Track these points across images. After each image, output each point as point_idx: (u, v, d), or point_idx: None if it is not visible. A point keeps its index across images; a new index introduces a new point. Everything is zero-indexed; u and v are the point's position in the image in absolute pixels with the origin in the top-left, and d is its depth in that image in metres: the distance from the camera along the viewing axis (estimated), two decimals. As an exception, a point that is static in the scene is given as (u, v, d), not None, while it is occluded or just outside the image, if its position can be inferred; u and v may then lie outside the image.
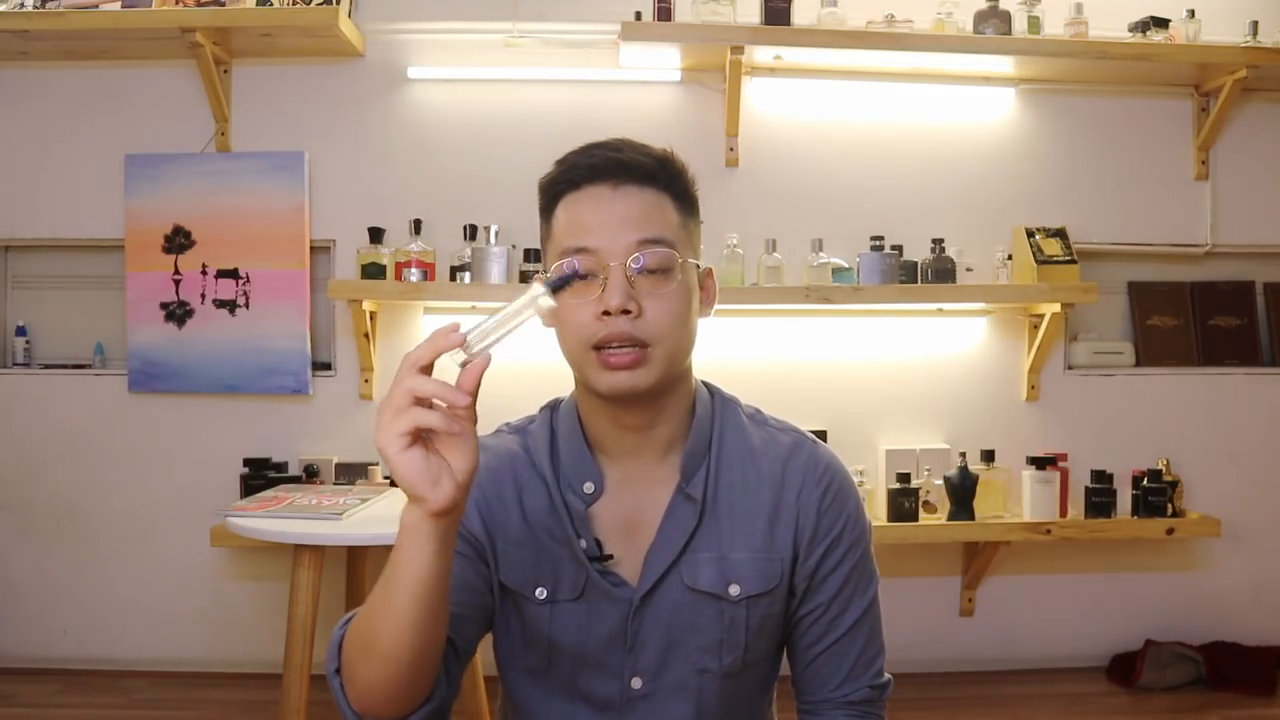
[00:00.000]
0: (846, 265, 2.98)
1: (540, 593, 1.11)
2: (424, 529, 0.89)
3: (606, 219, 1.04)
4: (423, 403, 0.85)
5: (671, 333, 1.04)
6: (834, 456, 1.18)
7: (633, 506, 1.12)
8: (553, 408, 1.19)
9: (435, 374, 0.86)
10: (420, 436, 0.86)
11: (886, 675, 1.18)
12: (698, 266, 1.10)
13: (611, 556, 1.10)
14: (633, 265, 1.03)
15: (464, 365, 0.87)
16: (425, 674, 0.97)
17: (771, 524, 1.12)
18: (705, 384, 1.18)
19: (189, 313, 3.08)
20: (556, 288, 0.91)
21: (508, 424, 1.21)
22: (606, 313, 1.01)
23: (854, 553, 1.15)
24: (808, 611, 1.15)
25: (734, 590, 1.11)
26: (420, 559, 0.90)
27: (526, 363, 2.83)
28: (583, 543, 1.10)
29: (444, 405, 0.86)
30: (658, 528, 1.11)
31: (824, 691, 1.16)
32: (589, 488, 1.11)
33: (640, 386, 1.04)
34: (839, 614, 1.14)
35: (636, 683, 1.12)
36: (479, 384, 0.87)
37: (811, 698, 1.17)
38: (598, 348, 1.03)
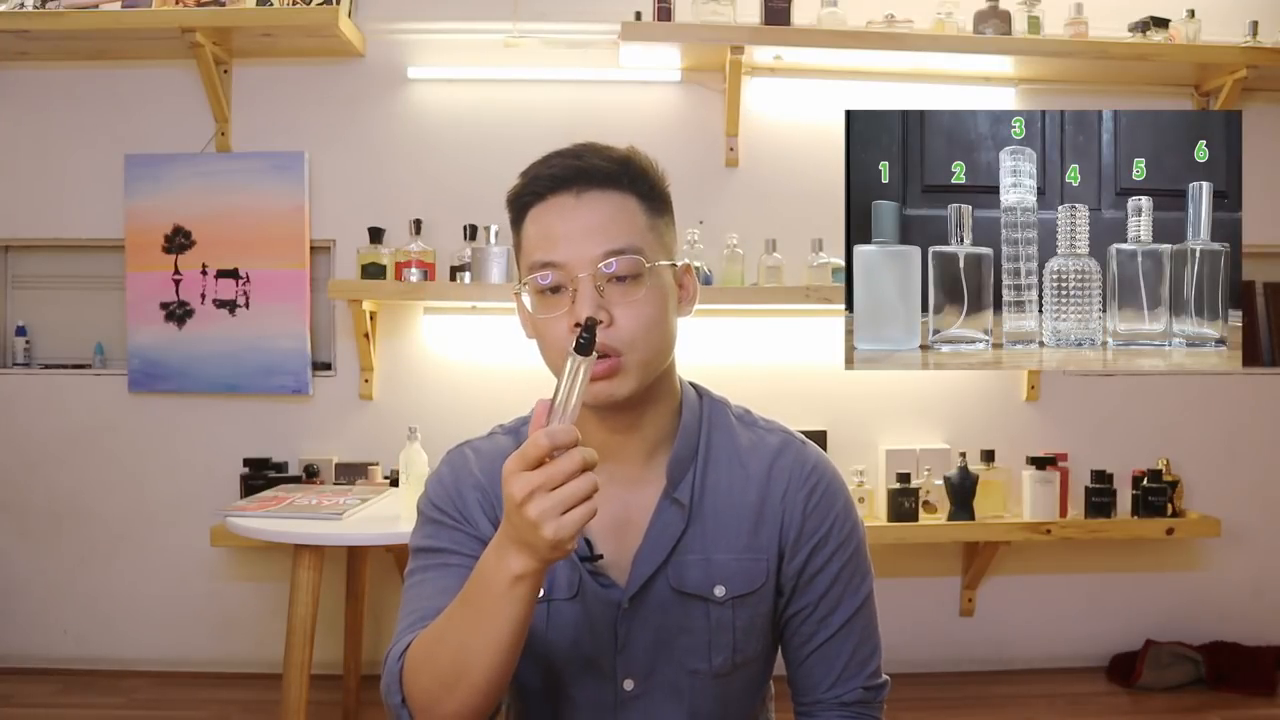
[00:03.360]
0: (846, 265, 2.98)
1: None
2: (535, 577, 0.93)
3: (571, 230, 1.04)
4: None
5: (644, 339, 1.04)
6: (822, 456, 1.18)
7: (621, 508, 1.12)
8: None
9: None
10: None
11: (884, 676, 1.17)
12: (674, 265, 1.10)
13: (602, 556, 1.11)
14: (602, 272, 1.03)
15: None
16: (505, 693, 1.02)
17: (756, 524, 1.13)
18: (694, 385, 1.18)
19: (189, 313, 3.08)
20: (584, 349, 0.92)
21: (501, 426, 1.21)
22: (578, 324, 1.01)
23: (842, 552, 1.14)
24: (796, 611, 1.15)
25: (719, 591, 1.11)
26: (528, 602, 0.94)
27: (518, 365, 2.82)
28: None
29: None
30: (645, 531, 1.11)
31: (817, 692, 1.15)
32: None
33: (618, 395, 1.04)
34: (828, 613, 1.14)
35: (629, 684, 1.12)
36: None
37: (805, 699, 1.17)
38: None
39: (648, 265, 1.04)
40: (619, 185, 1.06)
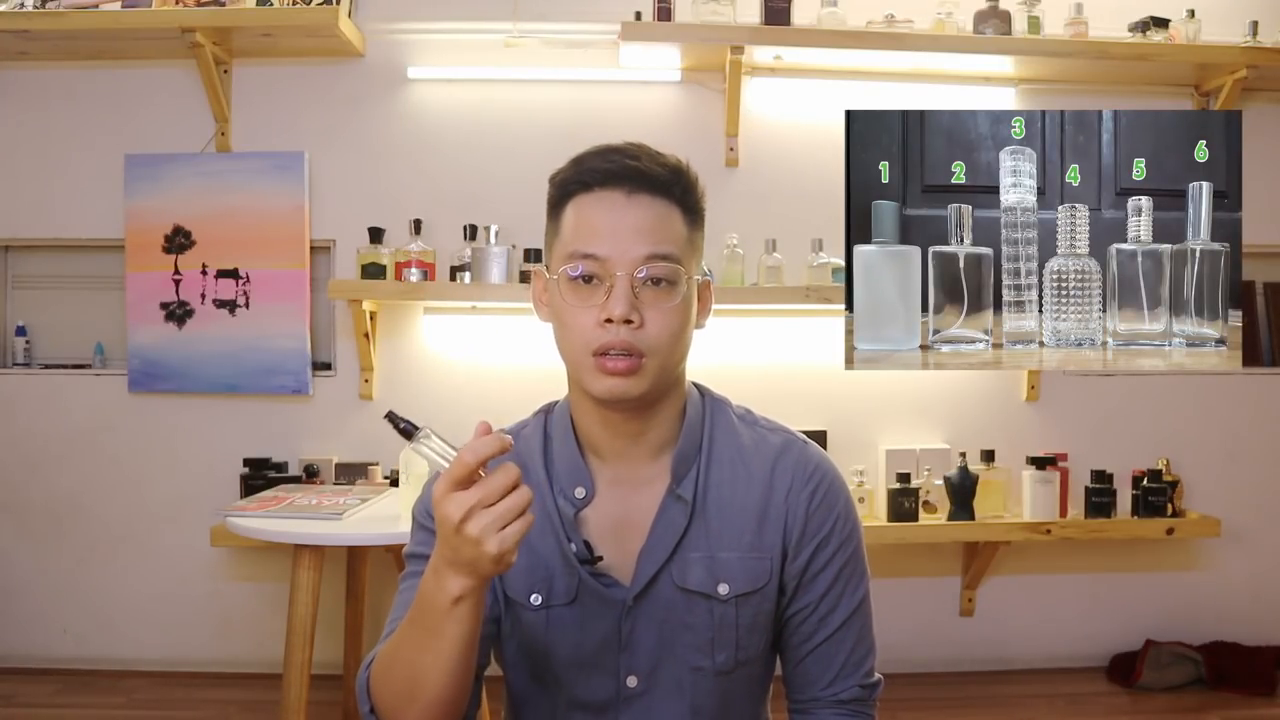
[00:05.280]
0: (846, 265, 2.98)
1: (535, 599, 1.12)
2: (476, 594, 0.94)
3: (618, 227, 1.05)
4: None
5: (667, 346, 1.06)
6: (824, 456, 1.19)
7: (625, 508, 1.13)
8: (547, 411, 1.20)
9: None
10: None
11: (877, 675, 1.19)
12: (697, 280, 1.12)
13: (601, 558, 1.11)
14: (638, 276, 1.04)
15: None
16: (467, 699, 1.02)
17: (760, 523, 1.13)
18: (696, 385, 1.20)
19: (189, 313, 3.08)
20: (407, 435, 0.96)
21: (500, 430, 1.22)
22: (609, 320, 1.03)
23: (843, 551, 1.15)
24: (797, 610, 1.16)
25: (723, 589, 1.12)
26: (470, 620, 0.95)
27: (518, 365, 2.83)
28: (573, 546, 1.11)
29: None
30: (649, 529, 1.12)
31: (814, 690, 1.16)
32: (580, 492, 1.13)
33: (632, 394, 1.06)
34: (828, 612, 1.15)
35: (632, 681, 1.13)
36: None
37: (801, 696, 1.18)
38: (597, 353, 1.04)
39: (685, 276, 1.06)
40: (668, 194, 1.08)
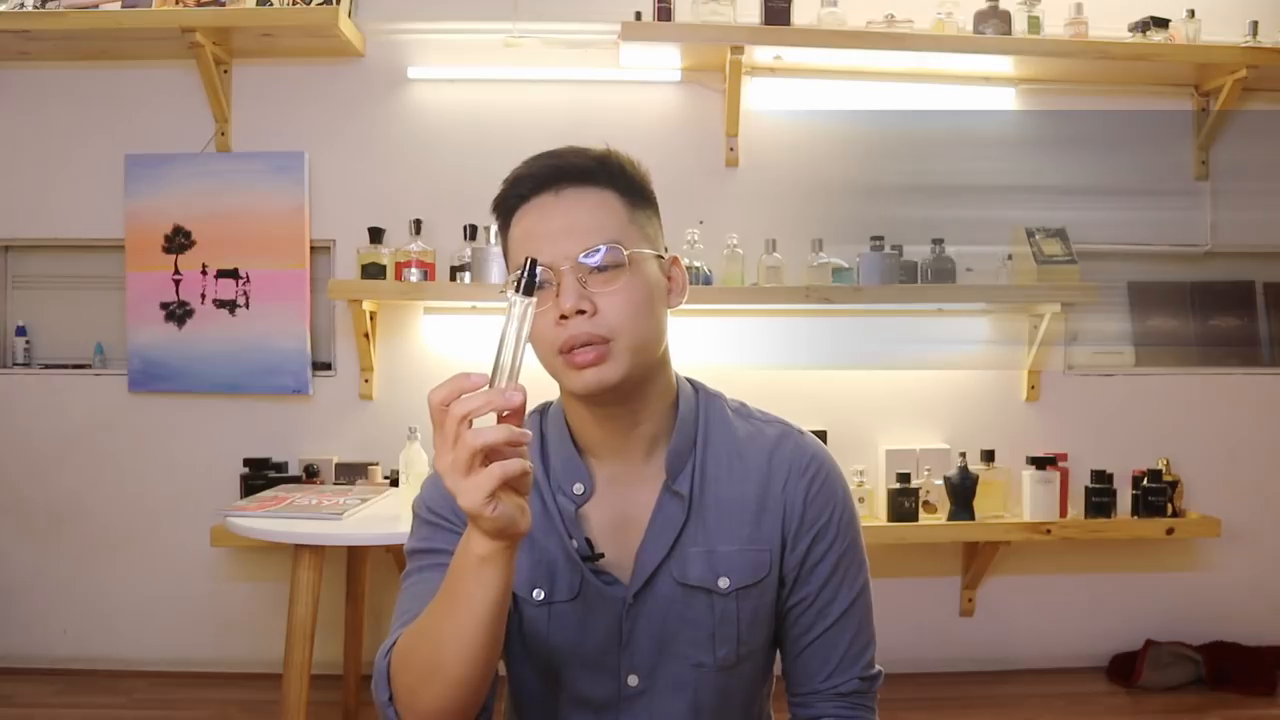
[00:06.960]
0: (846, 265, 2.98)
1: (538, 594, 1.12)
2: (500, 557, 0.91)
3: (552, 227, 1.06)
4: (493, 454, 0.86)
5: (631, 324, 1.05)
6: (820, 446, 1.19)
7: (622, 506, 1.13)
8: (541, 411, 1.20)
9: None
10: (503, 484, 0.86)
11: (877, 667, 1.18)
12: (660, 257, 1.12)
13: (603, 555, 1.11)
14: (585, 264, 1.04)
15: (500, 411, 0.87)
16: (488, 686, 1.01)
17: (758, 515, 1.13)
18: (689, 380, 1.20)
19: (189, 313, 3.08)
20: (528, 289, 0.91)
21: None
22: (564, 316, 1.03)
23: (841, 541, 1.15)
24: (797, 601, 1.15)
25: (723, 583, 1.12)
26: (495, 585, 0.92)
27: (523, 366, 2.78)
28: (574, 543, 1.11)
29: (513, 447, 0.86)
30: (647, 525, 1.12)
31: (814, 683, 1.16)
32: (579, 489, 1.13)
33: (609, 381, 1.05)
34: (828, 603, 1.15)
35: (633, 680, 1.13)
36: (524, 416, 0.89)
37: (801, 689, 1.18)
38: (564, 351, 1.04)
39: (627, 252, 1.06)
40: (596, 181, 1.08)
